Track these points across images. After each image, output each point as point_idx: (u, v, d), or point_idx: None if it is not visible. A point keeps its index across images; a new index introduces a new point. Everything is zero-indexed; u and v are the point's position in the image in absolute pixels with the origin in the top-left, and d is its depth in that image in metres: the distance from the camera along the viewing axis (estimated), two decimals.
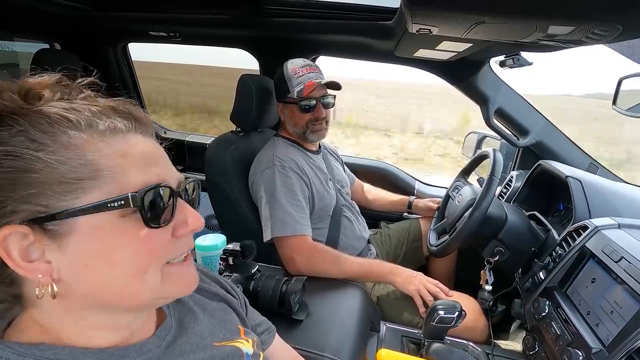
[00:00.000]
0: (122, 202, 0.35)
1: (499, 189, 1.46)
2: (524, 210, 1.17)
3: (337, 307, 0.99)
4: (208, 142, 1.98)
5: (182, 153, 2.00)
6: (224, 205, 1.28)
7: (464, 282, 1.43)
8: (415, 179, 1.87)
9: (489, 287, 1.10)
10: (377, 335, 1.02)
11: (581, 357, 0.69)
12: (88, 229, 0.34)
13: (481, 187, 1.04)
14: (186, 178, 0.43)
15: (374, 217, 1.65)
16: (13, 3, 1.43)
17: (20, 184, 0.32)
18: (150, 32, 1.78)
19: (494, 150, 1.09)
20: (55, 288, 0.35)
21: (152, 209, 0.36)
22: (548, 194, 1.29)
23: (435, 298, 1.06)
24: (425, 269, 1.52)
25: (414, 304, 1.09)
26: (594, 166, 1.38)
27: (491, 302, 1.10)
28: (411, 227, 1.54)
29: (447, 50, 1.11)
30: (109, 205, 0.34)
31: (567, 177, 1.06)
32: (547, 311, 0.84)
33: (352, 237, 1.35)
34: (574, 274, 0.85)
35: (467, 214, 1.05)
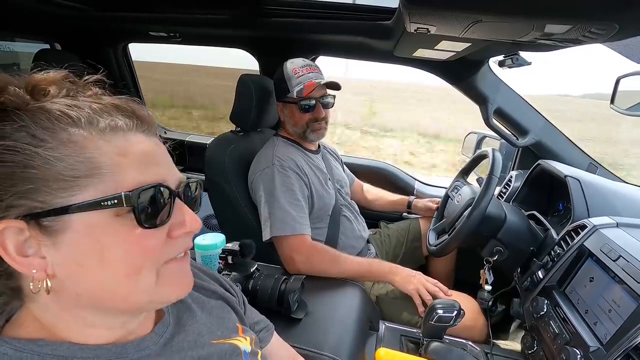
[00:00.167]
0: (116, 201, 0.34)
1: (498, 188, 1.46)
2: (523, 210, 1.17)
3: (336, 306, 0.99)
4: (208, 142, 1.99)
5: (182, 153, 2.01)
6: (224, 205, 1.28)
7: (463, 281, 1.43)
8: (415, 179, 1.87)
9: (488, 287, 1.10)
10: (376, 335, 1.02)
11: (579, 356, 0.69)
12: (82, 226, 0.34)
13: (480, 187, 1.05)
14: (188, 178, 0.43)
15: (373, 217, 1.65)
16: (14, 3, 1.43)
17: (19, 179, 0.32)
18: (151, 33, 1.79)
19: (493, 150, 1.10)
20: (49, 283, 0.35)
21: (146, 209, 0.36)
22: (547, 194, 1.30)
23: (434, 297, 1.06)
24: (424, 268, 1.52)
25: (413, 304, 1.09)
26: (593, 166, 1.38)
27: (490, 302, 1.10)
28: (410, 227, 1.54)
29: (445, 50, 1.12)
30: (102, 203, 0.34)
31: (566, 176, 1.06)
32: (545, 310, 0.84)
33: (351, 236, 1.35)
34: (572, 273, 0.85)
35: (466, 213, 1.05)
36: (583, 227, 0.89)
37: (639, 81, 0.94)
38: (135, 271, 0.37)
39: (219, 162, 1.25)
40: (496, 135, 1.50)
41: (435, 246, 1.16)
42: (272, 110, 1.40)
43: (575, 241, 0.88)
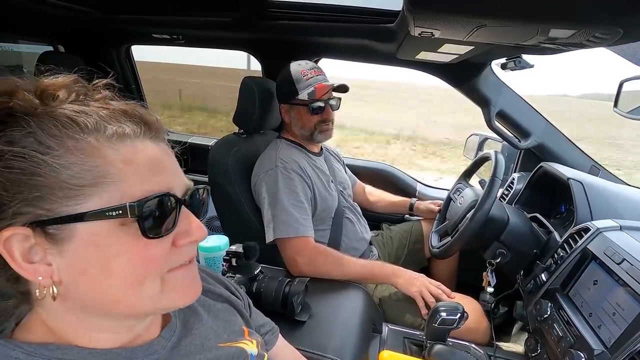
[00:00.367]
0: (120, 211, 0.34)
1: (500, 191, 1.46)
2: (525, 212, 1.17)
3: (340, 308, 0.99)
4: (210, 144, 1.99)
5: (184, 155, 2.01)
6: (227, 207, 1.29)
7: (466, 283, 1.43)
8: (417, 181, 1.87)
9: (490, 289, 1.10)
10: (380, 337, 1.03)
11: (583, 359, 0.69)
12: (87, 235, 0.34)
13: (483, 189, 1.05)
14: (195, 184, 0.43)
15: (375, 218, 1.65)
16: (17, 6, 1.44)
17: (26, 187, 0.32)
18: (154, 35, 1.80)
19: (496, 152, 1.10)
20: (55, 290, 0.35)
21: (151, 219, 0.36)
22: (550, 196, 1.30)
23: (437, 300, 1.06)
24: (427, 270, 1.52)
25: (416, 306, 1.09)
26: (595, 168, 1.38)
27: (493, 304, 1.10)
28: (413, 228, 1.55)
29: (448, 52, 1.12)
30: (107, 213, 0.34)
31: (568, 179, 1.06)
32: (549, 313, 0.84)
33: (354, 238, 1.36)
34: (575, 276, 0.85)
35: (469, 215, 1.05)
36: (586, 230, 0.90)
37: None
38: (139, 281, 0.36)
39: (222, 164, 1.25)
40: (498, 137, 1.50)
41: (438, 248, 1.16)
42: (274, 112, 1.40)
43: (578, 244, 0.89)
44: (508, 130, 1.49)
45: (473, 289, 1.21)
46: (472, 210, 1.03)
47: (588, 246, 0.85)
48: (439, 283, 1.12)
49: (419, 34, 0.84)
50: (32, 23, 1.70)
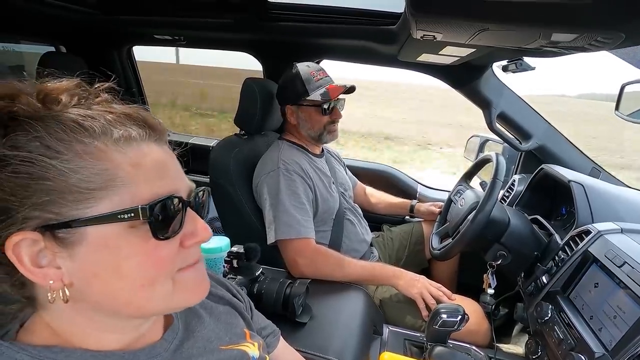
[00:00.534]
0: (132, 214, 0.35)
1: (501, 192, 1.46)
2: (526, 214, 1.17)
3: (340, 310, 0.99)
4: (211, 145, 1.99)
5: (184, 157, 2.01)
6: (228, 208, 1.29)
7: (467, 285, 1.43)
8: (418, 183, 1.87)
9: (491, 291, 1.10)
10: (380, 339, 1.03)
11: None
12: (97, 238, 0.34)
13: (484, 191, 1.05)
14: (197, 186, 0.43)
15: (376, 220, 1.65)
16: (20, 6, 1.44)
17: (34, 191, 0.32)
18: (155, 36, 1.80)
19: (497, 154, 1.10)
20: (67, 293, 0.35)
21: (161, 221, 0.36)
22: (551, 198, 1.30)
23: (438, 301, 1.06)
24: (427, 272, 1.52)
25: (416, 307, 1.09)
26: (596, 170, 1.38)
27: (494, 306, 1.11)
28: (413, 230, 1.55)
29: (450, 55, 1.12)
30: (119, 216, 0.34)
31: (569, 181, 1.06)
32: (550, 315, 0.85)
33: (354, 240, 1.36)
34: (576, 279, 0.86)
35: (470, 217, 1.05)
36: (587, 232, 0.90)
37: None
38: (150, 282, 0.37)
39: (224, 165, 1.25)
40: (499, 139, 1.51)
41: (438, 250, 1.17)
42: (276, 113, 1.40)
43: (579, 246, 0.89)
44: (509, 132, 1.49)
45: (474, 291, 1.21)
46: (473, 212, 1.03)
47: (589, 249, 0.85)
48: (439, 285, 1.12)
49: (421, 37, 0.84)
50: (34, 24, 1.70)
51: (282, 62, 1.34)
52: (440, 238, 1.27)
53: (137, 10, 1.65)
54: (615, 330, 0.69)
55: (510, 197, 1.39)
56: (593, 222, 0.95)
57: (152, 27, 1.73)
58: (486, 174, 1.44)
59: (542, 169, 1.28)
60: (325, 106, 1.24)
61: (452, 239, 1.12)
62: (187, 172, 0.42)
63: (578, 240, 0.91)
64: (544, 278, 0.95)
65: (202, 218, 0.43)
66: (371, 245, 1.47)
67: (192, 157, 2.00)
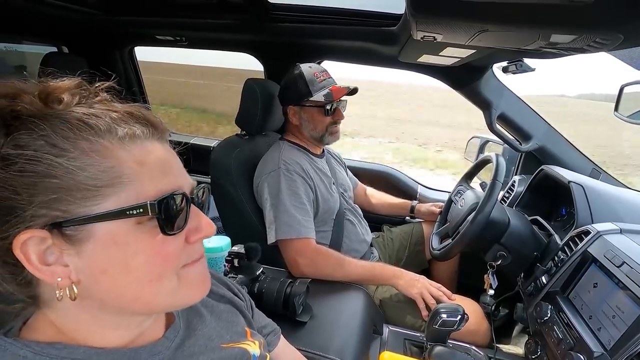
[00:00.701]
0: (141, 210, 0.35)
1: (501, 193, 1.47)
2: (526, 215, 1.18)
3: (341, 309, 1.00)
4: (212, 145, 2.00)
5: (186, 155, 2.02)
6: (229, 208, 1.29)
7: (467, 285, 1.43)
8: (418, 183, 1.88)
9: (491, 291, 1.11)
10: (380, 338, 1.03)
11: None
12: (105, 235, 0.35)
13: (484, 191, 1.05)
14: (199, 184, 0.44)
15: (376, 220, 1.65)
16: (22, 7, 1.45)
17: (41, 189, 0.32)
18: (157, 36, 1.81)
19: (497, 155, 1.10)
20: (75, 290, 0.35)
21: (168, 216, 0.37)
22: (551, 199, 1.30)
23: (438, 301, 1.07)
24: (427, 272, 1.53)
25: (416, 307, 1.10)
26: (596, 171, 1.39)
27: (493, 306, 1.11)
28: (414, 230, 1.55)
29: (450, 56, 1.13)
30: (127, 212, 0.35)
31: (569, 182, 1.07)
32: (549, 315, 0.85)
33: (355, 240, 1.36)
34: (576, 279, 0.86)
35: (469, 218, 1.05)
36: (587, 233, 0.90)
37: None
38: (158, 277, 0.37)
39: (225, 165, 1.26)
40: (499, 140, 1.51)
41: (438, 250, 1.17)
42: (276, 113, 1.41)
43: (579, 247, 0.89)
44: (509, 133, 1.50)
45: (474, 291, 1.21)
46: (473, 213, 1.04)
47: (588, 249, 0.86)
48: (439, 285, 1.12)
49: (422, 38, 0.84)
50: (36, 24, 1.71)
51: (283, 63, 1.35)
52: (441, 238, 1.27)
53: (139, 11, 1.66)
54: (614, 329, 0.69)
55: (511, 197, 1.39)
56: (592, 223, 0.96)
57: (153, 27, 1.74)
58: (487, 174, 1.45)
59: (542, 169, 1.28)
60: (328, 107, 1.24)
61: (452, 240, 1.13)
62: (188, 172, 0.43)
63: (577, 241, 0.92)
64: (543, 278, 0.95)
65: None
66: (371, 245, 1.47)
67: (192, 157, 2.01)
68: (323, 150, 1.41)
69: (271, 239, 1.15)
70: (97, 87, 0.40)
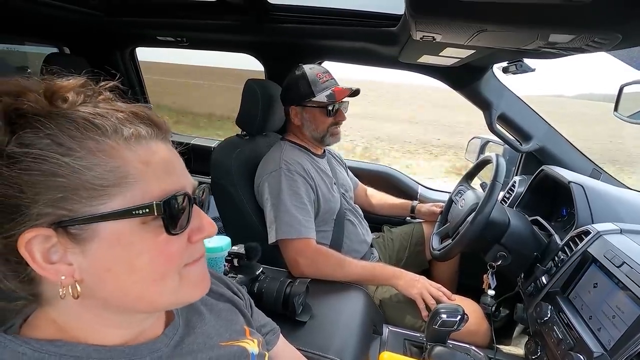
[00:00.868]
0: (147, 209, 0.35)
1: (501, 194, 1.47)
2: (526, 215, 1.18)
3: (340, 309, 1.00)
4: (213, 146, 2.00)
5: (187, 156, 2.02)
6: (229, 208, 1.29)
7: (467, 286, 1.43)
8: (419, 184, 1.88)
9: (491, 292, 1.11)
10: (380, 338, 1.03)
11: None
12: (110, 234, 0.35)
13: (484, 192, 1.05)
14: (200, 184, 0.44)
15: (377, 221, 1.65)
16: (24, 8, 1.46)
17: (47, 188, 0.33)
18: (158, 37, 1.81)
19: (497, 155, 1.10)
20: (78, 288, 0.36)
21: (173, 216, 0.37)
22: (551, 199, 1.30)
23: (438, 302, 1.07)
24: (427, 272, 1.52)
25: (416, 308, 1.10)
26: (596, 172, 1.38)
27: (494, 307, 1.11)
28: (414, 231, 1.55)
29: (450, 56, 1.13)
30: (134, 212, 0.35)
31: (569, 182, 1.07)
32: (549, 316, 0.85)
33: (355, 240, 1.36)
34: (576, 279, 0.86)
35: (470, 218, 1.05)
36: (587, 233, 0.90)
37: None
38: (161, 276, 0.38)
39: (225, 165, 1.26)
40: (499, 140, 1.51)
41: (438, 250, 1.17)
42: (277, 114, 1.41)
43: (579, 247, 0.89)
44: (509, 133, 1.50)
45: (474, 292, 1.21)
46: (473, 213, 1.03)
47: (588, 249, 0.86)
48: (439, 285, 1.12)
49: (421, 38, 0.85)
50: (38, 25, 1.72)
51: (283, 64, 1.35)
52: (441, 239, 1.27)
53: (140, 12, 1.67)
54: (614, 330, 0.69)
55: (511, 198, 1.39)
56: (593, 223, 0.95)
57: (154, 28, 1.75)
58: (487, 175, 1.45)
59: (542, 170, 1.28)
60: (330, 108, 1.25)
61: (452, 240, 1.13)
62: (189, 172, 0.43)
63: (578, 241, 0.91)
64: (543, 278, 0.95)
65: None
66: (371, 246, 1.47)
67: (193, 158, 2.01)
68: (324, 151, 1.41)
69: (272, 238, 1.15)
70: (101, 86, 0.41)
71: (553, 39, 0.66)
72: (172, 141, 0.44)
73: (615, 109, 0.99)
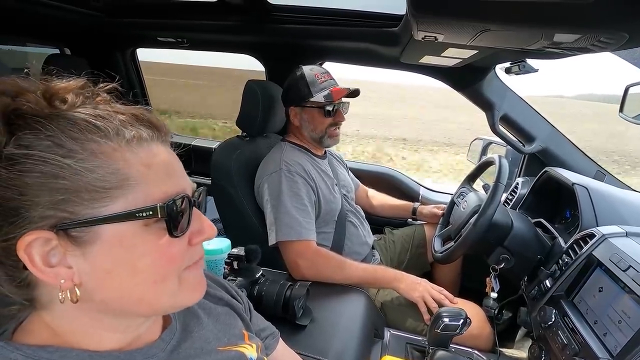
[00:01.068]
0: (151, 212, 0.35)
1: (504, 195, 1.45)
2: (529, 218, 1.16)
3: (341, 312, 0.99)
4: (214, 147, 2.00)
5: (188, 157, 2.02)
6: (229, 209, 1.29)
7: (469, 289, 1.42)
8: (420, 185, 1.87)
9: (494, 295, 1.09)
10: (381, 342, 1.02)
11: None
12: (112, 237, 0.35)
13: (487, 193, 1.04)
14: (198, 186, 0.44)
15: (378, 222, 1.65)
16: (26, 9, 1.46)
17: (48, 190, 0.32)
18: (159, 38, 1.81)
19: (500, 156, 1.09)
20: (77, 292, 0.35)
21: (175, 218, 0.37)
22: (554, 201, 1.29)
23: (440, 305, 1.06)
24: (429, 275, 1.51)
25: (418, 311, 1.08)
26: (600, 173, 1.37)
27: (496, 310, 1.09)
28: (415, 233, 1.54)
29: (452, 57, 1.12)
30: (137, 215, 0.35)
31: (573, 184, 1.05)
32: (553, 320, 0.83)
33: (356, 242, 1.35)
34: (580, 283, 0.84)
35: (472, 220, 1.04)
36: (592, 236, 0.89)
37: None
38: (162, 278, 0.38)
39: (225, 166, 1.26)
40: (502, 141, 1.50)
41: (441, 253, 1.15)
42: (278, 115, 1.41)
43: (583, 250, 0.88)
44: (512, 134, 1.48)
45: (476, 295, 1.20)
46: (476, 215, 1.02)
47: (593, 252, 0.84)
48: (441, 288, 1.11)
49: (423, 38, 0.84)
50: (39, 26, 1.72)
51: (285, 64, 1.35)
52: (443, 241, 1.26)
53: (140, 13, 1.67)
54: (620, 335, 0.67)
55: (514, 200, 1.37)
56: (597, 226, 0.94)
57: (155, 29, 1.75)
58: (489, 176, 1.44)
59: (545, 171, 1.27)
60: (329, 108, 1.24)
61: (455, 242, 1.11)
62: (189, 174, 0.43)
63: (582, 244, 0.90)
64: (547, 282, 0.94)
65: None
66: (373, 248, 1.46)
67: (194, 159, 2.01)
68: (325, 152, 1.40)
69: (272, 240, 1.14)
70: (99, 88, 0.40)
71: (558, 38, 0.65)
72: (172, 142, 0.44)
73: (621, 110, 0.98)
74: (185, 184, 0.40)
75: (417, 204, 1.58)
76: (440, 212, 1.47)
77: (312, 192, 1.21)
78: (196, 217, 0.41)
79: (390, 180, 1.84)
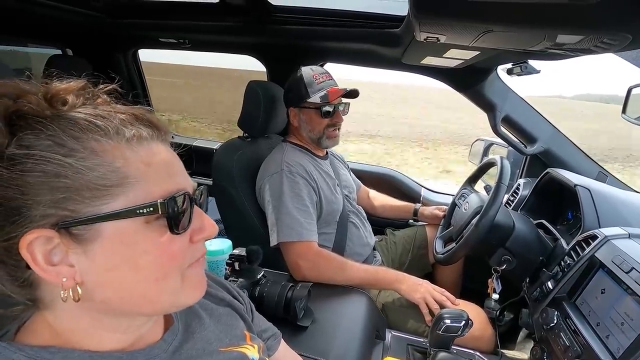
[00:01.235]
0: (152, 208, 0.36)
1: (506, 196, 1.45)
2: (531, 219, 1.16)
3: (342, 314, 0.99)
4: (215, 147, 2.00)
5: (189, 157, 2.03)
6: (230, 210, 1.29)
7: (471, 290, 1.41)
8: (422, 186, 1.87)
9: (496, 296, 1.09)
10: (383, 343, 1.02)
11: None
12: (114, 234, 0.35)
13: (488, 194, 1.04)
14: (199, 185, 0.44)
15: (379, 223, 1.64)
16: (28, 10, 1.46)
17: (49, 189, 0.32)
18: (160, 39, 1.82)
19: (501, 157, 1.09)
20: (79, 291, 0.35)
21: (176, 215, 0.37)
22: (556, 203, 1.28)
23: (442, 306, 1.05)
24: (431, 276, 1.51)
25: (419, 312, 1.08)
26: (602, 175, 1.37)
27: (498, 312, 1.09)
28: (417, 234, 1.53)
29: (454, 57, 1.12)
30: (138, 211, 0.35)
31: (575, 185, 1.05)
32: (555, 322, 0.83)
33: (358, 243, 1.35)
34: (583, 284, 0.84)
35: (474, 221, 1.04)
36: (594, 237, 0.88)
37: None
38: (164, 276, 0.38)
39: (227, 167, 1.26)
40: (504, 142, 1.49)
41: (442, 254, 1.15)
42: (279, 116, 1.41)
43: (586, 252, 0.87)
44: (514, 135, 1.48)
45: (478, 296, 1.19)
46: (477, 216, 1.02)
47: (596, 254, 0.84)
48: (443, 289, 1.11)
49: (425, 39, 0.83)
50: (41, 27, 1.72)
51: (286, 65, 1.35)
52: (444, 242, 1.25)
53: (142, 14, 1.67)
54: (623, 337, 0.67)
55: (516, 201, 1.37)
56: (599, 227, 0.94)
57: (157, 30, 1.75)
58: (491, 178, 1.43)
59: (547, 172, 1.27)
60: (327, 109, 1.24)
61: (456, 244, 1.11)
62: (190, 174, 0.43)
63: (584, 245, 0.90)
64: (549, 283, 0.93)
65: None
66: (374, 249, 1.46)
67: (195, 159, 2.01)
68: (326, 152, 1.40)
69: (273, 241, 1.14)
70: (99, 89, 0.41)
71: (561, 40, 0.65)
72: (173, 142, 0.44)
73: (624, 111, 0.98)
74: (185, 182, 0.41)
75: (418, 205, 1.58)
76: (441, 213, 1.47)
77: (313, 193, 1.21)
78: (197, 215, 0.41)
79: (391, 181, 1.84)
